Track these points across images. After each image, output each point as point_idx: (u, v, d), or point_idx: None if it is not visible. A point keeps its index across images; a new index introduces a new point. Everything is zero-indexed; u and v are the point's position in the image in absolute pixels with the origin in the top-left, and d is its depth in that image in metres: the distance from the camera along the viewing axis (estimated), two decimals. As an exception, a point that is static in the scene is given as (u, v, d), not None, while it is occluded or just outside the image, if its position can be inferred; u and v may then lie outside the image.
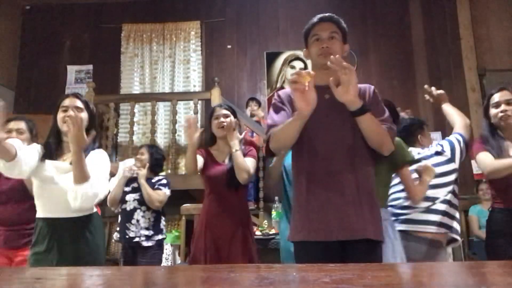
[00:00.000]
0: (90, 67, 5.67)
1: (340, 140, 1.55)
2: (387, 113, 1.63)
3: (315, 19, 1.65)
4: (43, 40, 5.77)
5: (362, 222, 1.50)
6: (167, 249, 4.03)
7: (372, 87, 1.66)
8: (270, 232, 3.68)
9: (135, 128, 4.92)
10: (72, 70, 5.68)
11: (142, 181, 2.91)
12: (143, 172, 2.96)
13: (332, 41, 1.60)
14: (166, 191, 2.97)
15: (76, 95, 1.90)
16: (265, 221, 4.08)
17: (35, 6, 5.86)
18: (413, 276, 0.82)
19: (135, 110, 4.79)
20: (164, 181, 3.02)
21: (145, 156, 3.04)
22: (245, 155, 2.34)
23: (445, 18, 5.38)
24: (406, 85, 5.27)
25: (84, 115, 1.86)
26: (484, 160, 2.12)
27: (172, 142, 4.58)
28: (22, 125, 2.35)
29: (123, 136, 5.16)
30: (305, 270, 0.85)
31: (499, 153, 2.10)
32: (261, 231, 3.88)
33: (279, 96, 1.71)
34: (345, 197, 1.51)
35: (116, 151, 5.14)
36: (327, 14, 1.65)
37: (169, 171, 4.57)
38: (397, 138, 1.86)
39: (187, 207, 3.12)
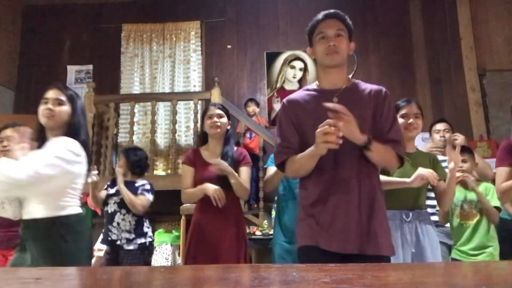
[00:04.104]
0: (90, 67, 5.67)
1: (348, 147, 1.45)
2: (396, 124, 1.57)
3: (320, 16, 1.57)
4: (43, 40, 5.76)
5: (368, 237, 1.45)
6: (167, 249, 4.03)
7: (385, 90, 1.57)
8: (270, 232, 3.67)
9: (135, 128, 4.92)
10: (72, 70, 5.68)
11: (121, 185, 2.82)
12: (120, 177, 2.87)
13: (338, 39, 1.54)
14: (149, 197, 2.88)
15: (60, 87, 1.82)
16: (265, 221, 4.08)
17: (35, 6, 5.86)
18: (413, 276, 0.82)
19: (135, 110, 4.79)
20: (148, 187, 2.92)
21: (121, 161, 2.98)
22: (240, 162, 2.36)
23: (445, 18, 5.37)
24: (406, 85, 5.26)
25: (65, 108, 1.78)
26: (498, 178, 2.09)
27: (172, 142, 4.57)
28: None
29: (123, 136, 5.16)
30: (305, 270, 0.85)
31: None
32: (261, 231, 3.88)
33: (284, 107, 1.64)
34: (351, 207, 1.47)
35: (116, 151, 5.13)
36: (332, 11, 1.57)
37: (169, 171, 4.57)
38: None
39: (187, 207, 3.12)
